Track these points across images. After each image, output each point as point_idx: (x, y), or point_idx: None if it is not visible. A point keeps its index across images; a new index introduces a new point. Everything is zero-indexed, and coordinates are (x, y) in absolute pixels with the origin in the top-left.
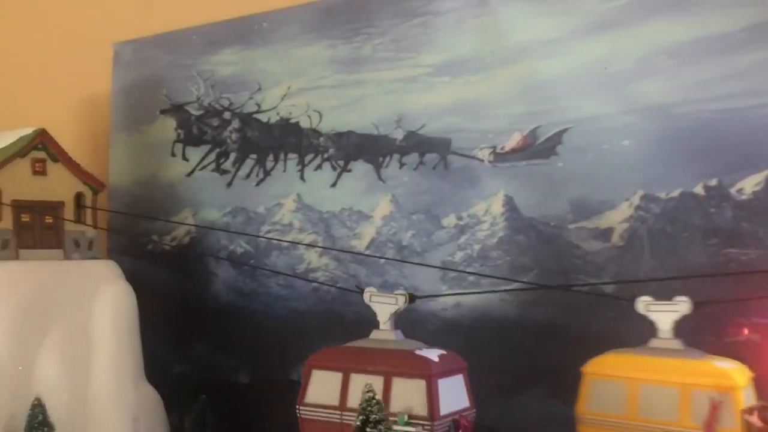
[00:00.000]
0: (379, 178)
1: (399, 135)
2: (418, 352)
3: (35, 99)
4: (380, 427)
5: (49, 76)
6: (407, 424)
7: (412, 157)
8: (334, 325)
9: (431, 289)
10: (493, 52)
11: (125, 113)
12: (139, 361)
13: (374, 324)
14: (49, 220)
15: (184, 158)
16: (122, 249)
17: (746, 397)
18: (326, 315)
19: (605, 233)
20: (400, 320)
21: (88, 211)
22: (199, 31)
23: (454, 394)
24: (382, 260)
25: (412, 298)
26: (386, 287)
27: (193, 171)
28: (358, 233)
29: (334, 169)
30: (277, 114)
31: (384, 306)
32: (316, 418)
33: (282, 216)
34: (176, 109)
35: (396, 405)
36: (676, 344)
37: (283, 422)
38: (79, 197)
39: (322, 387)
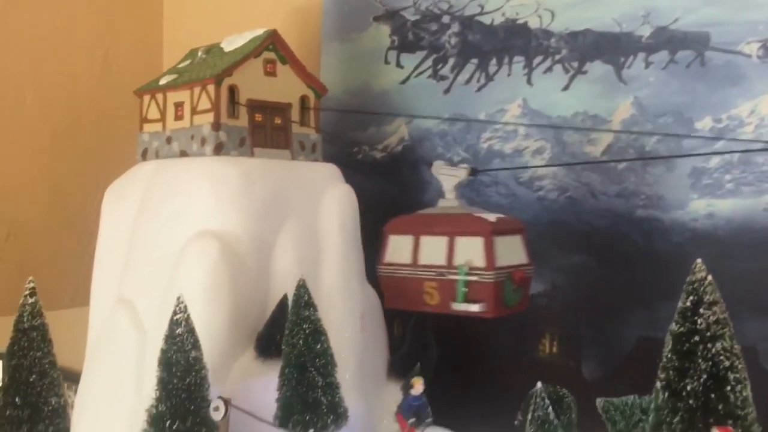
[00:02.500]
0: (620, 79)
1: (646, 31)
2: (477, 214)
3: (248, 9)
4: (715, 308)
5: None
6: (467, 274)
7: (661, 56)
8: (560, 236)
9: (680, 198)
10: None
11: (337, 21)
12: (362, 262)
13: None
14: (278, 121)
15: (399, 65)
16: (332, 158)
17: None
18: (551, 226)
19: None
20: (638, 231)
21: (310, 115)
22: None
23: (511, 252)
24: (620, 166)
25: (473, 171)
26: (624, 196)
27: (407, 78)
28: (594, 139)
29: (567, 71)
30: (502, 15)
31: (449, 177)
32: (392, 274)
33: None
34: (390, 15)
35: (458, 261)
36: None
37: (496, 333)
38: (303, 100)
39: (397, 249)
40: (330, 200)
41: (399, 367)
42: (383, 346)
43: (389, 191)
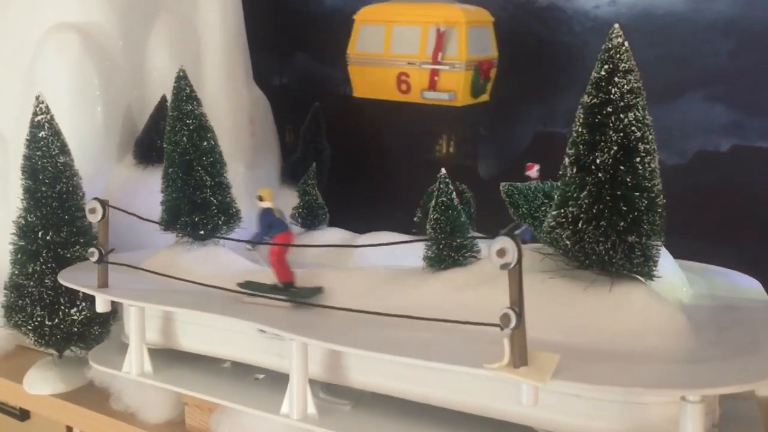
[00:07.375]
0: None
1: None
2: None
3: None
4: (629, 77)
5: None
6: None
7: None
8: None
9: None
10: None
11: None
12: (248, 60)
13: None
14: None
15: None
16: None
17: (473, 33)
18: None
19: None
20: (539, 21)
21: None
22: None
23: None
24: None
25: None
26: None
27: None
28: None
29: None
30: None
31: None
32: None
33: None
34: None
35: None
36: None
37: (392, 134)
38: None
39: None
40: None
41: (292, 173)
42: (275, 152)
43: None
